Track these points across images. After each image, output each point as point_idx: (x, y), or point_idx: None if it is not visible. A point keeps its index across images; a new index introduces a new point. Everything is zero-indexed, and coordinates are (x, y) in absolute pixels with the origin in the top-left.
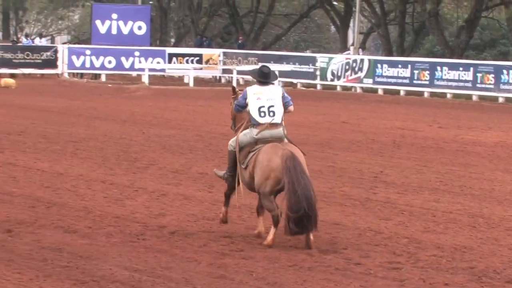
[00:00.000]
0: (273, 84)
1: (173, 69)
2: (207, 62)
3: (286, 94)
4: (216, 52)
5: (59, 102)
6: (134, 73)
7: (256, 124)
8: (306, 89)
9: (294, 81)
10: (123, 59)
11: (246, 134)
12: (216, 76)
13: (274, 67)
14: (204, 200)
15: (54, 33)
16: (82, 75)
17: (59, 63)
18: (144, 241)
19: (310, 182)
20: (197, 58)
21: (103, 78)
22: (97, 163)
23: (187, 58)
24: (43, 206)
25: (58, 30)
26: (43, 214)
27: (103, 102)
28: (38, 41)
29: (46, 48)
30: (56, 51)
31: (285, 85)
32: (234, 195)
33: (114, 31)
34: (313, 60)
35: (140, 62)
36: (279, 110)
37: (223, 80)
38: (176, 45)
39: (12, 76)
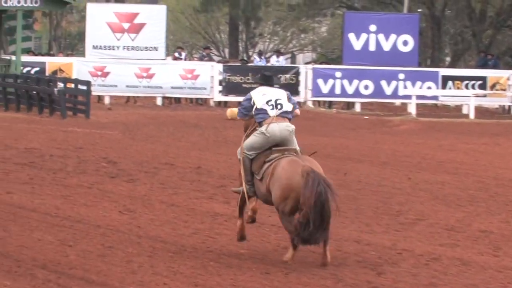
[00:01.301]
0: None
1: (449, 96)
2: (493, 87)
3: (291, 97)
4: (504, 75)
5: (301, 139)
6: (397, 102)
7: (263, 119)
8: None
9: None
10: (383, 83)
11: (255, 134)
12: (504, 106)
13: None
14: (488, 266)
15: (295, 50)
16: (330, 104)
17: (301, 88)
18: None
19: (330, 186)
20: (480, 82)
21: (357, 108)
22: (349, 217)
23: (466, 82)
24: (280, 273)
25: (300, 46)
26: (280, 283)
27: (357, 138)
28: (275, 60)
29: (284, 69)
30: (297, 73)
31: None
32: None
33: (372, 47)
34: None
35: (405, 87)
36: (286, 104)
37: None
38: (452, 65)
39: None
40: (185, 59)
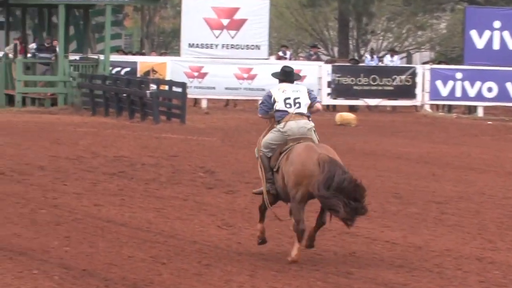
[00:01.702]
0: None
1: None
2: None
3: (312, 92)
4: None
5: (418, 146)
6: None
7: (281, 118)
8: None
9: None
10: (508, 85)
11: (273, 131)
12: None
13: None
14: None
15: (412, 48)
16: (450, 107)
17: (417, 91)
18: None
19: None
20: None
21: (480, 112)
22: (471, 233)
23: None
24: None
25: (416, 44)
26: None
27: (480, 146)
28: (388, 60)
29: (399, 70)
30: (413, 74)
31: None
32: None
33: (496, 45)
34: None
35: None
36: (305, 102)
37: None
38: None
39: (352, 109)
40: (290, 59)
